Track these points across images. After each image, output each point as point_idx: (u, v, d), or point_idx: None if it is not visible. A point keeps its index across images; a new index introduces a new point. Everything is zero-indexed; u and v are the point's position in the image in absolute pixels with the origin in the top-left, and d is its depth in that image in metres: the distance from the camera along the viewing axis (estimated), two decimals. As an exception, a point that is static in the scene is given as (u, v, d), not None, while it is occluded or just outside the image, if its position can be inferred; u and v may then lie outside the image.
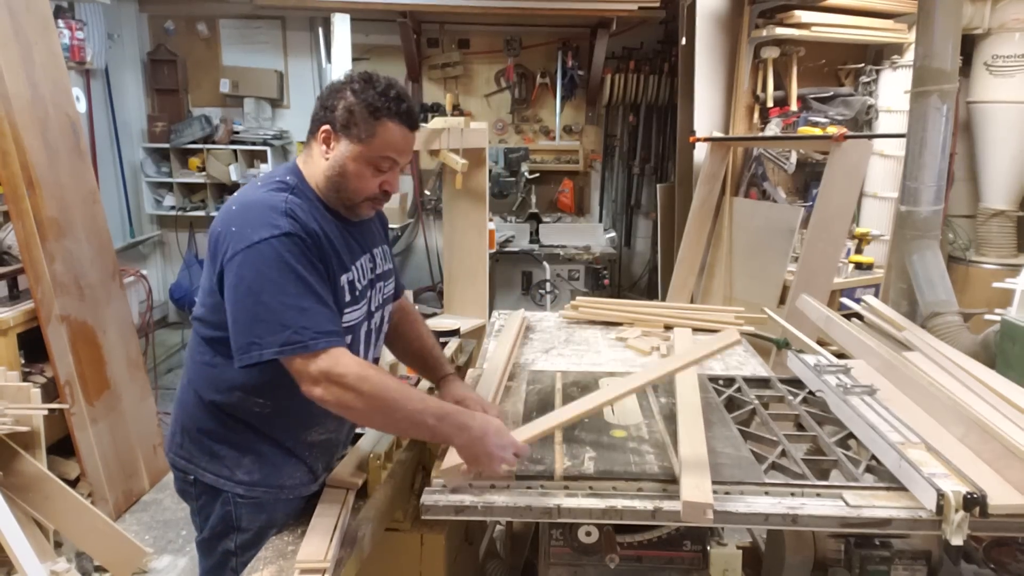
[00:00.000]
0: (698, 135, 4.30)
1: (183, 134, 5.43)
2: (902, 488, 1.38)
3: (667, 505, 1.36)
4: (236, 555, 1.51)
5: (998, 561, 1.50)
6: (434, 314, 4.18)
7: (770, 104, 4.32)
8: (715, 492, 1.34)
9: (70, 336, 2.94)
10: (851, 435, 1.65)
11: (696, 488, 1.34)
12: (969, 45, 4.21)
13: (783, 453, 1.55)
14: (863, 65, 4.55)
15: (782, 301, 3.77)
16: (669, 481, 1.41)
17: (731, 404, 1.84)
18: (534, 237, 5.16)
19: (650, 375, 1.57)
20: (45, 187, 2.89)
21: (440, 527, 1.69)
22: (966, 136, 4.42)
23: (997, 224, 4.39)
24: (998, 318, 2.09)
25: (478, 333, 3.55)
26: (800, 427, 1.78)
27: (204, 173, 5.51)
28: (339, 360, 1.31)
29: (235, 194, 1.48)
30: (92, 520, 2.59)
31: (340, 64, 4.21)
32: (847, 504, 1.34)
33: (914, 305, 2.55)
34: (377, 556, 1.60)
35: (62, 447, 2.92)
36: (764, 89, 4.34)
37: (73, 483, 2.88)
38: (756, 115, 4.42)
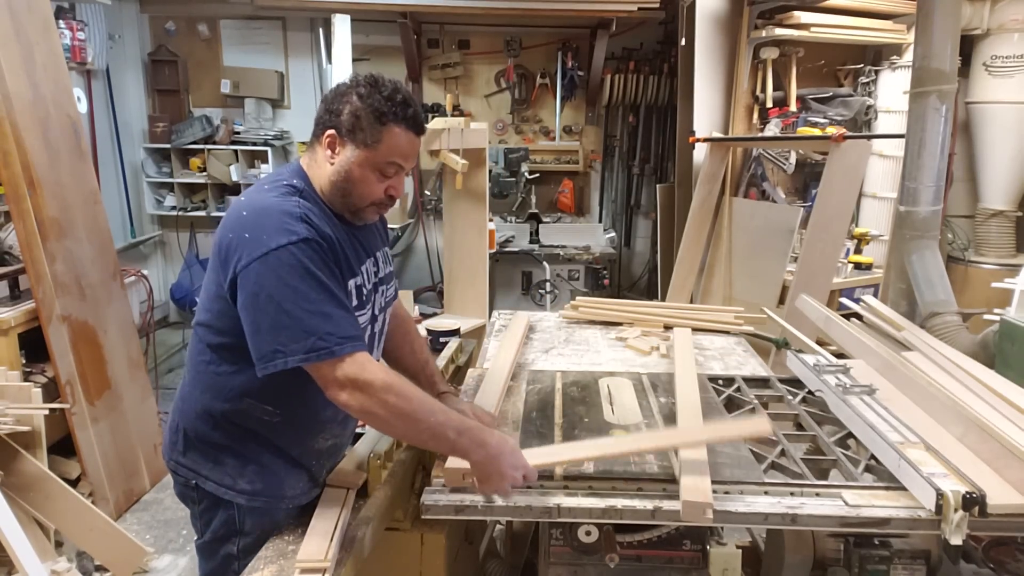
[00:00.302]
0: (698, 135, 4.31)
1: (184, 134, 5.44)
2: (901, 488, 1.39)
3: (667, 505, 1.36)
4: (238, 559, 1.50)
5: (997, 561, 1.50)
6: (434, 314, 4.19)
7: (769, 104, 4.33)
8: (715, 492, 1.35)
9: (71, 336, 2.94)
10: (850, 435, 1.65)
11: (696, 488, 1.34)
12: (968, 46, 4.21)
13: (782, 453, 1.56)
14: (862, 66, 4.56)
15: (781, 301, 3.77)
16: (669, 481, 1.41)
17: (731, 404, 1.85)
18: (534, 237, 5.16)
19: (673, 440, 1.51)
20: (46, 187, 2.89)
21: (440, 527, 1.69)
22: (965, 136, 4.43)
23: (996, 224, 4.40)
24: (997, 318, 2.09)
25: (478, 333, 3.56)
26: (799, 427, 1.78)
27: (205, 173, 5.51)
28: (365, 367, 1.31)
29: (241, 198, 1.44)
30: (93, 520, 2.59)
31: (340, 64, 4.21)
32: (846, 504, 1.35)
33: (913, 305, 2.55)
34: (377, 556, 1.60)
35: (63, 447, 2.92)
36: (763, 89, 4.35)
37: (74, 483, 2.88)
38: (755, 115, 4.43)
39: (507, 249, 4.96)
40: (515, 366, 2.09)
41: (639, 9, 4.77)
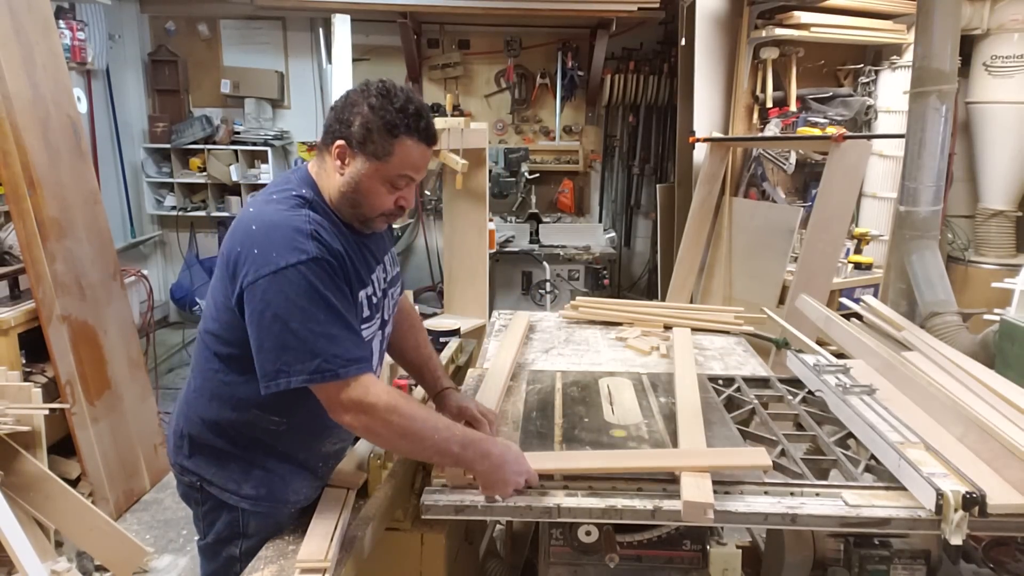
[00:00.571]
0: (698, 135, 4.31)
1: (184, 134, 5.44)
2: (901, 488, 1.39)
3: (667, 504, 1.36)
4: (240, 561, 1.50)
5: (997, 560, 1.50)
6: (434, 314, 4.19)
7: (769, 104, 4.33)
8: (715, 491, 1.35)
9: (71, 336, 2.94)
10: (850, 435, 1.65)
11: (696, 487, 1.34)
12: (968, 46, 4.21)
13: (782, 453, 1.56)
14: (862, 66, 4.56)
15: (781, 301, 3.77)
16: (669, 481, 1.41)
17: (731, 404, 1.85)
18: (534, 237, 5.17)
19: (674, 461, 1.48)
20: (46, 187, 2.89)
21: (440, 527, 1.69)
22: (965, 136, 4.43)
23: (996, 224, 4.40)
24: (997, 318, 2.09)
25: (478, 333, 3.56)
26: (799, 427, 1.78)
27: (205, 173, 5.52)
28: (369, 389, 1.31)
29: (250, 209, 1.41)
30: (93, 519, 2.59)
31: (341, 64, 4.21)
32: (846, 504, 1.35)
33: (913, 305, 2.55)
34: (377, 556, 1.60)
35: (63, 447, 2.92)
36: (763, 89, 4.35)
37: (74, 483, 2.88)
38: (755, 115, 4.43)
39: (507, 249, 4.96)
40: (515, 366, 2.09)
41: (639, 9, 4.77)
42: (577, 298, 2.77)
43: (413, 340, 1.79)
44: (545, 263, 4.94)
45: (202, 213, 5.65)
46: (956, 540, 1.27)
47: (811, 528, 1.51)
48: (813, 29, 4.15)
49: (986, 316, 2.21)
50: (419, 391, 1.90)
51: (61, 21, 4.39)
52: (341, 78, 4.16)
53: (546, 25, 5.56)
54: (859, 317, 2.42)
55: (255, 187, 5.61)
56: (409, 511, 1.70)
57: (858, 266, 4.10)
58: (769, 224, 4.06)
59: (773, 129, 4.23)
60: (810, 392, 1.88)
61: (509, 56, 5.63)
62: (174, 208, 5.69)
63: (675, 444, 1.56)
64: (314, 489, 1.55)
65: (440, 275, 5.68)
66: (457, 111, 5.38)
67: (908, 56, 4.25)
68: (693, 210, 4.20)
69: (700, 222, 4.24)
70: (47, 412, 2.59)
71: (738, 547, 1.54)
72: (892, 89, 4.37)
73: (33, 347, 2.89)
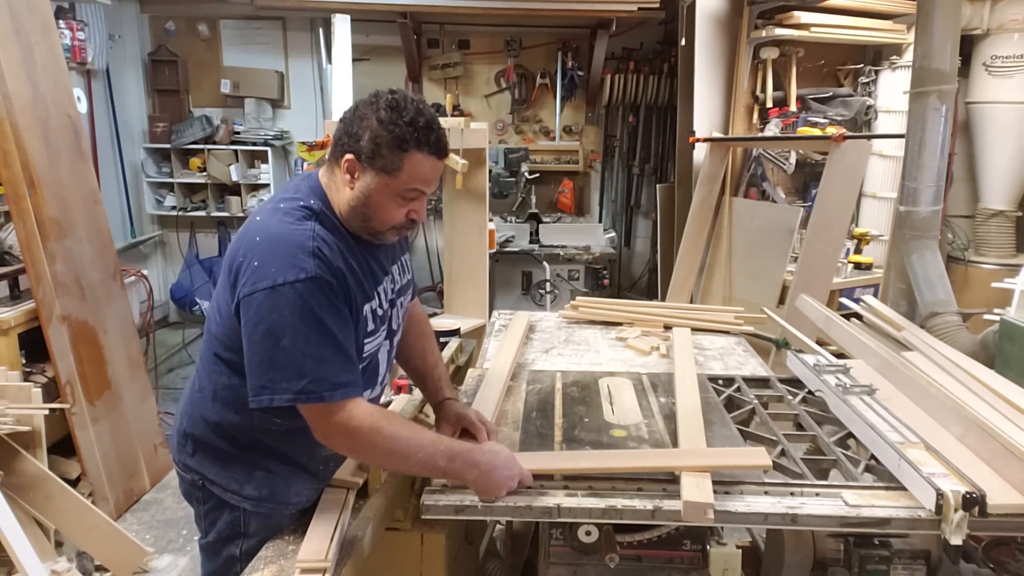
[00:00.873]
0: (698, 135, 4.31)
1: (184, 134, 5.44)
2: (901, 488, 1.39)
3: (667, 504, 1.36)
4: (241, 561, 1.50)
5: (997, 561, 1.50)
6: (434, 314, 4.19)
7: (769, 104, 4.33)
8: (715, 491, 1.35)
9: (71, 336, 2.94)
10: (850, 435, 1.65)
11: (696, 487, 1.34)
12: (968, 45, 4.21)
13: (782, 453, 1.56)
14: (862, 66, 4.56)
15: (781, 301, 3.77)
16: (669, 481, 1.41)
17: (731, 404, 1.85)
18: (534, 237, 5.16)
19: (673, 461, 1.48)
20: (46, 187, 2.89)
21: (440, 527, 1.69)
22: (965, 136, 4.43)
23: (996, 224, 4.40)
24: (997, 318, 2.09)
25: (478, 333, 3.55)
26: (799, 427, 1.78)
27: (205, 173, 5.52)
28: (352, 413, 1.31)
29: (257, 218, 1.41)
30: (93, 519, 2.59)
31: (341, 64, 4.21)
32: (846, 504, 1.35)
33: (913, 305, 2.55)
34: (377, 556, 1.60)
35: (63, 447, 2.92)
36: (763, 89, 4.35)
37: (74, 483, 2.88)
38: (755, 115, 4.43)
39: (507, 249, 4.96)
40: (515, 366, 2.09)
41: (639, 9, 4.78)
42: (577, 298, 2.77)
43: (420, 347, 1.78)
44: (545, 263, 4.94)
45: (202, 213, 5.65)
46: (956, 540, 1.27)
47: (811, 528, 1.51)
48: (813, 29, 4.15)
49: (986, 316, 2.21)
50: (419, 392, 1.90)
51: (61, 21, 4.39)
52: (341, 78, 4.16)
53: (546, 25, 5.56)
54: (859, 317, 2.42)
55: (255, 187, 5.61)
56: (409, 511, 1.70)
57: (858, 266, 4.10)
58: (769, 224, 4.06)
59: (773, 129, 4.23)
60: (810, 392, 1.88)
61: (509, 56, 5.63)
62: (174, 208, 5.69)
63: (675, 444, 1.56)
64: (315, 491, 1.55)
65: (440, 275, 5.68)
66: (457, 111, 5.38)
67: (908, 56, 4.25)
68: (693, 210, 4.20)
69: (700, 222, 4.24)
70: (47, 412, 2.59)
71: (738, 547, 1.54)
72: (892, 89, 4.37)
73: (33, 347, 2.90)
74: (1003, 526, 1.30)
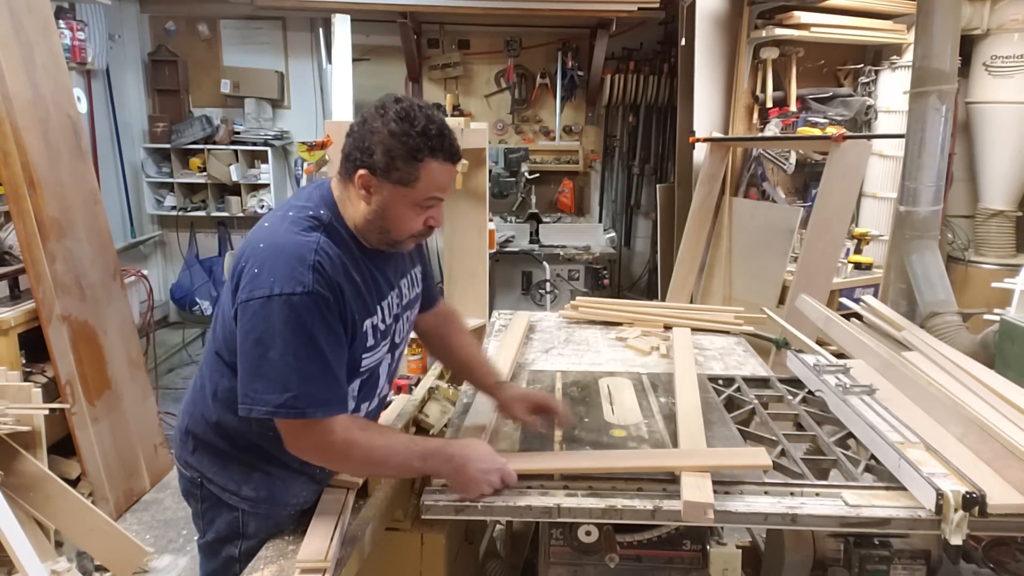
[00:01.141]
0: (698, 135, 4.31)
1: (184, 134, 5.44)
2: (901, 488, 1.39)
3: (667, 504, 1.36)
4: (239, 561, 1.50)
5: (997, 561, 1.50)
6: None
7: (769, 104, 4.33)
8: (715, 491, 1.35)
9: (71, 336, 2.94)
10: (850, 435, 1.65)
11: (696, 487, 1.34)
12: (968, 45, 4.21)
13: (782, 453, 1.56)
14: (862, 66, 4.56)
15: (781, 301, 3.77)
16: (669, 481, 1.41)
17: (731, 404, 1.85)
18: (534, 237, 5.16)
19: (672, 461, 1.48)
20: (46, 187, 2.89)
21: (440, 527, 1.69)
22: (965, 136, 4.43)
23: (996, 224, 4.40)
24: (997, 318, 2.09)
25: (478, 333, 3.55)
26: (799, 427, 1.78)
27: (205, 173, 5.52)
28: (328, 428, 1.31)
29: (265, 224, 1.40)
30: (93, 519, 2.59)
31: (341, 64, 4.21)
32: (846, 504, 1.35)
33: (913, 305, 2.55)
34: (377, 556, 1.60)
35: (63, 447, 2.92)
36: (763, 89, 4.35)
37: (74, 483, 2.88)
38: (755, 115, 4.43)
39: (507, 249, 4.96)
40: (515, 366, 2.09)
41: (639, 9, 4.77)
42: (577, 298, 2.77)
43: (459, 342, 1.80)
44: (545, 263, 4.94)
45: (202, 213, 5.65)
46: (956, 540, 1.27)
47: (811, 528, 1.51)
48: (813, 29, 4.15)
49: (986, 316, 2.21)
50: (419, 392, 1.90)
51: (61, 21, 4.39)
52: (341, 78, 4.15)
53: (546, 25, 5.56)
54: (859, 317, 2.42)
55: (255, 187, 5.61)
56: (409, 511, 1.70)
57: (858, 266, 4.10)
58: (769, 224, 4.06)
59: (773, 129, 4.23)
60: (810, 392, 1.88)
61: (509, 56, 5.63)
62: (174, 208, 5.69)
63: (675, 444, 1.56)
64: (314, 492, 1.55)
65: (440, 275, 5.67)
66: (457, 111, 5.38)
67: (908, 56, 4.25)
68: (693, 210, 4.20)
69: (700, 222, 4.24)
70: (47, 412, 2.59)
71: (738, 547, 1.54)
72: (892, 89, 4.37)
73: (33, 347, 2.90)
74: (1003, 526, 1.30)
